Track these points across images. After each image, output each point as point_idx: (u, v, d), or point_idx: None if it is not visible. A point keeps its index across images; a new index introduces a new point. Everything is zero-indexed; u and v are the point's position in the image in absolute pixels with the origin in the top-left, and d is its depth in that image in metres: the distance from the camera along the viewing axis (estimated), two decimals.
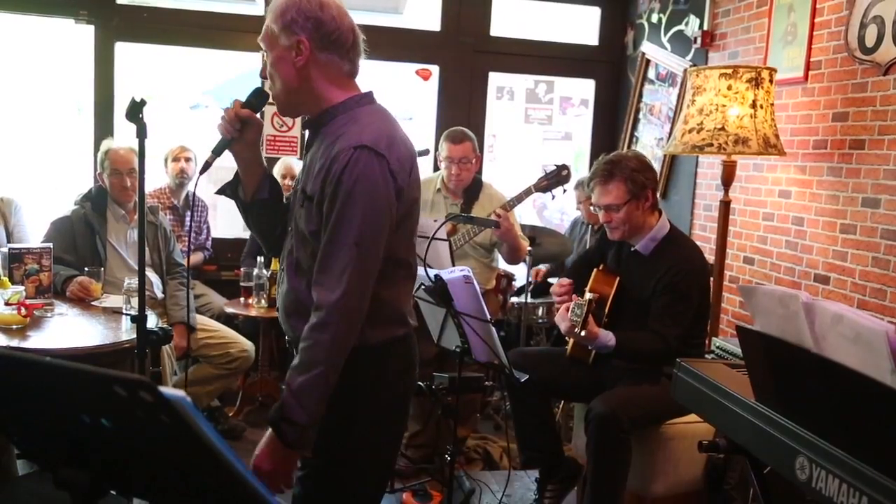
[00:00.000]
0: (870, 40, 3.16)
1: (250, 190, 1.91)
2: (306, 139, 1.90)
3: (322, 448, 1.80)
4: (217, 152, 1.85)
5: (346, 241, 1.66)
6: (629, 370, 2.94)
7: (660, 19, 4.83)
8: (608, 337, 2.80)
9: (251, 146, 1.87)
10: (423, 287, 2.53)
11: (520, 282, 4.63)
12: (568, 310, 2.81)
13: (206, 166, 1.85)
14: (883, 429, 1.43)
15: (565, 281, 3.03)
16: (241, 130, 1.83)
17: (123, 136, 4.03)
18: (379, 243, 1.70)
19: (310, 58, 1.74)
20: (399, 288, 1.83)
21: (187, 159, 4.44)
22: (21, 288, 3.03)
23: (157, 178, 4.53)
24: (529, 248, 3.91)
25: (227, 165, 1.93)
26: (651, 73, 4.92)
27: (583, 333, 2.74)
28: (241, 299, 4.19)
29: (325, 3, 1.74)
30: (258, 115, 1.88)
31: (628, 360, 2.89)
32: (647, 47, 4.94)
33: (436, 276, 2.47)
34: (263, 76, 1.84)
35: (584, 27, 5.46)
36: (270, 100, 1.89)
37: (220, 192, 1.96)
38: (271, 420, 1.70)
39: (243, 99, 1.85)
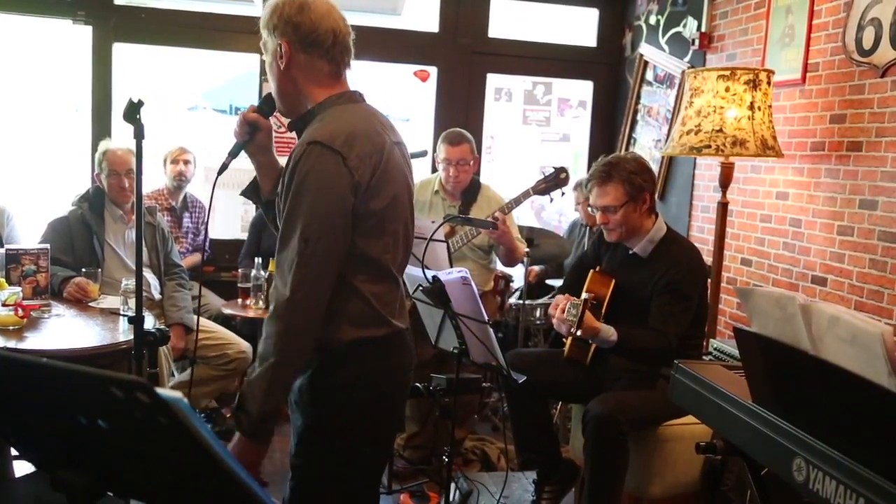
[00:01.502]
0: (867, 42, 3.17)
1: (266, 191, 2.00)
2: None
3: (304, 449, 1.80)
4: (232, 155, 1.96)
5: (294, 236, 1.69)
6: (627, 372, 2.94)
7: (658, 21, 4.83)
8: (610, 332, 2.78)
9: (262, 149, 1.96)
10: (420, 288, 2.53)
11: (517, 283, 4.63)
12: (563, 310, 2.80)
13: (223, 168, 1.94)
14: (880, 430, 1.43)
15: (560, 299, 3.01)
16: (251, 134, 1.92)
17: (121, 136, 4.03)
18: (330, 238, 1.70)
19: (291, 60, 1.80)
20: (373, 287, 1.81)
21: (186, 162, 4.44)
22: (18, 289, 3.03)
23: (155, 180, 4.53)
24: (527, 250, 3.91)
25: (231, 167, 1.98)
26: (649, 75, 4.93)
27: (578, 332, 2.73)
28: (239, 300, 4.18)
29: (305, 5, 1.80)
30: (269, 120, 1.97)
31: (629, 355, 2.89)
32: (645, 49, 4.95)
33: (433, 277, 2.47)
34: (266, 80, 1.92)
35: (582, 29, 5.46)
36: None
37: (243, 193, 2.06)
38: (233, 409, 1.76)
39: (256, 104, 1.96)
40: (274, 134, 2.02)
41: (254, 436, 1.72)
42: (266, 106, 1.93)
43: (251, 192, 2.03)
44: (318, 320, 1.72)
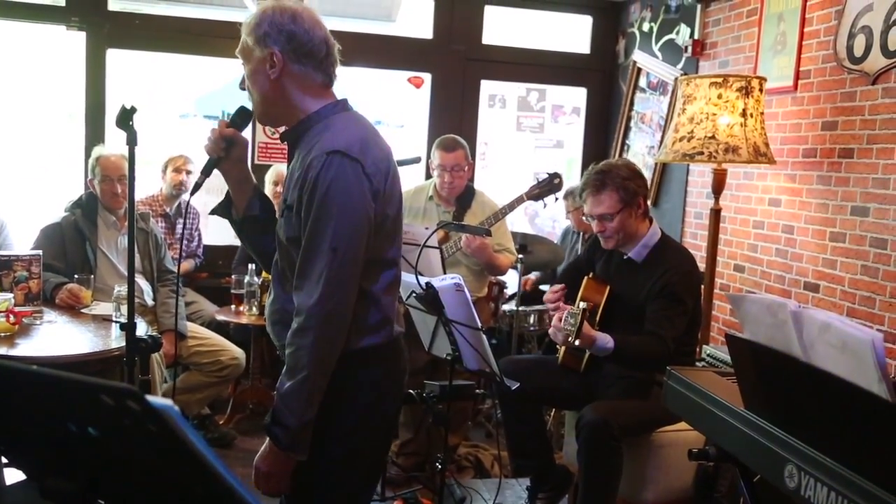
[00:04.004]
0: (858, 50, 3.18)
1: (241, 207, 1.95)
2: (287, 151, 1.91)
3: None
4: (206, 172, 1.89)
5: (323, 246, 1.68)
6: (621, 378, 2.94)
7: (651, 28, 4.85)
8: (606, 340, 2.78)
9: (238, 164, 1.92)
10: (414, 295, 2.52)
11: (511, 289, 4.63)
12: (560, 320, 2.81)
13: (197, 187, 1.91)
14: (870, 437, 1.44)
15: (557, 287, 3.03)
16: (226, 149, 1.88)
17: (115, 142, 4.02)
18: (357, 246, 1.71)
19: (283, 70, 1.77)
20: (384, 292, 1.83)
21: (188, 172, 4.43)
22: (10, 295, 3.02)
23: (149, 186, 4.52)
24: (521, 256, 3.91)
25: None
26: (642, 82, 4.95)
27: (577, 343, 2.73)
28: (232, 307, 4.18)
29: (297, 15, 1.77)
30: (243, 133, 1.92)
31: (626, 363, 2.88)
32: (638, 56, 4.96)
33: (427, 283, 2.47)
34: (243, 88, 1.86)
35: (575, 36, 5.48)
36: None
37: (213, 212, 2.00)
38: (266, 426, 1.73)
39: (230, 115, 1.91)
40: (266, 140, 2.00)
41: (292, 448, 1.71)
42: (240, 119, 1.89)
43: (223, 209, 1.97)
44: (347, 328, 1.72)
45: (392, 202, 1.80)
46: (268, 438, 1.74)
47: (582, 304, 2.86)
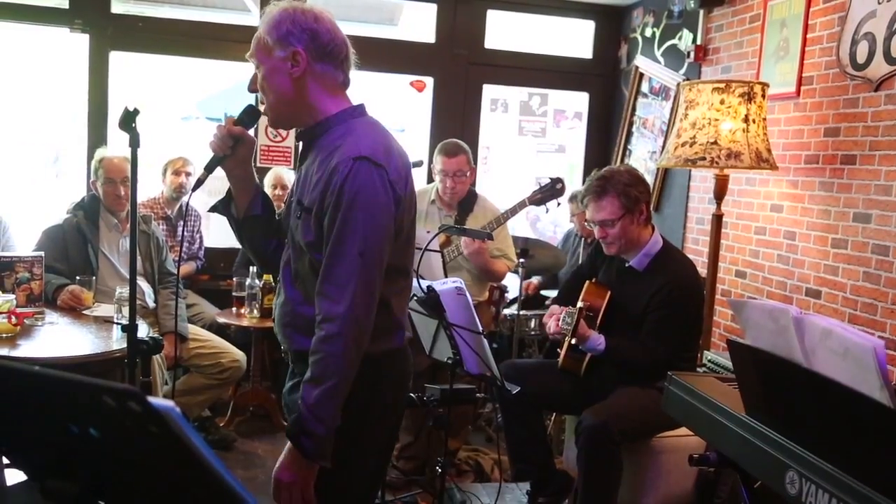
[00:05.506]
0: (861, 56, 3.19)
1: (243, 206, 1.94)
2: (300, 151, 1.91)
3: None
4: (209, 169, 1.88)
5: (351, 252, 1.67)
6: (621, 383, 2.94)
7: (653, 33, 4.86)
8: (598, 341, 2.85)
9: (243, 163, 1.90)
10: (415, 298, 2.52)
11: (512, 294, 4.63)
12: (559, 319, 2.84)
13: (199, 183, 1.90)
14: (872, 443, 1.44)
15: (556, 310, 3.05)
16: (233, 147, 1.86)
17: (117, 144, 4.02)
18: (382, 252, 1.71)
19: (306, 68, 1.76)
20: (400, 297, 1.85)
21: (188, 174, 4.44)
22: (12, 296, 3.02)
23: (151, 188, 4.53)
24: (522, 261, 3.90)
25: (222, 175, 1.94)
26: (644, 87, 4.95)
27: (573, 342, 2.76)
28: (234, 309, 4.18)
29: (319, 15, 1.77)
30: (250, 132, 1.91)
31: (617, 365, 2.93)
32: (640, 61, 4.97)
33: (428, 287, 2.47)
34: (253, 90, 1.84)
35: (578, 41, 5.49)
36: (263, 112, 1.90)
37: (213, 209, 1.98)
38: (290, 434, 1.71)
39: (236, 115, 1.88)
40: (269, 143, 1.99)
41: (320, 456, 1.69)
42: (248, 117, 1.88)
43: (223, 206, 1.96)
44: (370, 333, 1.71)
45: (410, 209, 1.81)
46: (287, 448, 1.72)
47: (579, 304, 2.89)
